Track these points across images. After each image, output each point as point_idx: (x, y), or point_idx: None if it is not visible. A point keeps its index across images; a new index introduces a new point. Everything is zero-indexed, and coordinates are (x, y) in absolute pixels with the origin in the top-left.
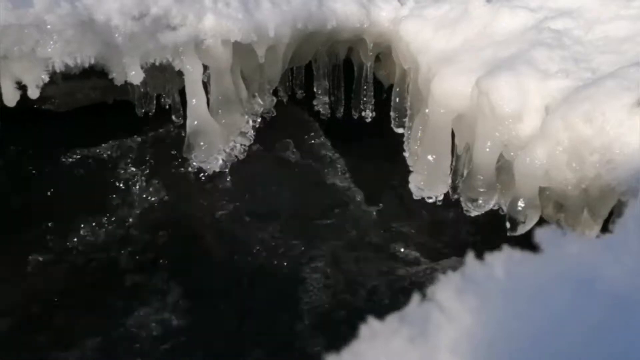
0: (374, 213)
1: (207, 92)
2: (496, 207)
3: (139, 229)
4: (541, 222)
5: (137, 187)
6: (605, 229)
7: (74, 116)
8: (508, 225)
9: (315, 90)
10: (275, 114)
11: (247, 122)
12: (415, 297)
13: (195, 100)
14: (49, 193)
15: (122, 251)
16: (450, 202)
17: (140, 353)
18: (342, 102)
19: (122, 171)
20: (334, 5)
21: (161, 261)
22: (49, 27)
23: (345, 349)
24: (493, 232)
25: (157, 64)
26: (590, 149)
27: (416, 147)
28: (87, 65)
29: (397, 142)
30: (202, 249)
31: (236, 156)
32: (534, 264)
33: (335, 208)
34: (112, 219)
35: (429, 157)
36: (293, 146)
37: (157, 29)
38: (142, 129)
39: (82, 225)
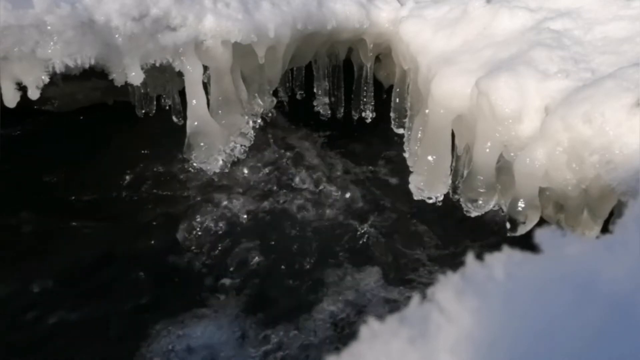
0: (374, 213)
1: (207, 92)
2: (496, 208)
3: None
4: (541, 222)
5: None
6: (605, 229)
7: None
8: (508, 225)
9: (315, 90)
10: (275, 114)
11: (247, 122)
12: (415, 298)
13: (196, 100)
14: (48, 192)
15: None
16: (450, 203)
17: None
18: (342, 102)
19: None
20: (333, 5)
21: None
22: (49, 28)
23: (345, 349)
24: (493, 232)
25: (157, 64)
26: (590, 149)
27: (416, 148)
28: (87, 66)
29: (397, 142)
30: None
31: (236, 157)
32: (534, 265)
33: (334, 208)
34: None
35: (429, 158)
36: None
37: (157, 30)
38: (142, 129)
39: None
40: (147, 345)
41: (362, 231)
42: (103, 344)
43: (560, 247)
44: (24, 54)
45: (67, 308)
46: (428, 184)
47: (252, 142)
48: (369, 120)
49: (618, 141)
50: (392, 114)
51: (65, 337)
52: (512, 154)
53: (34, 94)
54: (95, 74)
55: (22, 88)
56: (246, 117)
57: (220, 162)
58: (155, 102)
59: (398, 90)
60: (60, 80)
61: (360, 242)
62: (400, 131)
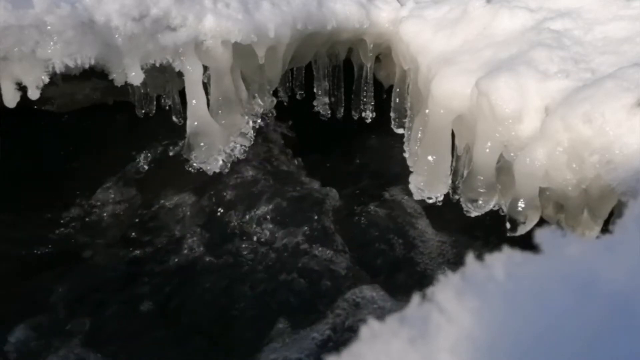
0: (373, 214)
1: (207, 92)
2: (496, 208)
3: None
4: (541, 222)
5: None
6: (605, 229)
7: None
8: (508, 225)
9: (315, 90)
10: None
11: (247, 122)
12: (415, 298)
13: (195, 101)
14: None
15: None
16: (450, 203)
17: None
18: (342, 102)
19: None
20: (333, 5)
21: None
22: (49, 28)
23: (345, 350)
24: (493, 232)
25: (157, 64)
26: (590, 149)
27: (416, 148)
28: (87, 66)
29: (397, 142)
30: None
31: (236, 157)
32: (534, 265)
33: (334, 208)
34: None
35: (429, 158)
36: None
37: (157, 30)
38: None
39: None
40: None
41: (361, 231)
42: None
43: (560, 247)
44: (24, 54)
45: None
46: (428, 184)
47: (252, 142)
48: (369, 120)
49: (618, 141)
50: (392, 114)
51: None
52: (512, 154)
53: (34, 94)
54: (95, 74)
55: (22, 88)
56: (246, 117)
57: (220, 162)
58: (155, 102)
59: (398, 90)
60: (60, 80)
61: (358, 242)
62: (400, 131)
